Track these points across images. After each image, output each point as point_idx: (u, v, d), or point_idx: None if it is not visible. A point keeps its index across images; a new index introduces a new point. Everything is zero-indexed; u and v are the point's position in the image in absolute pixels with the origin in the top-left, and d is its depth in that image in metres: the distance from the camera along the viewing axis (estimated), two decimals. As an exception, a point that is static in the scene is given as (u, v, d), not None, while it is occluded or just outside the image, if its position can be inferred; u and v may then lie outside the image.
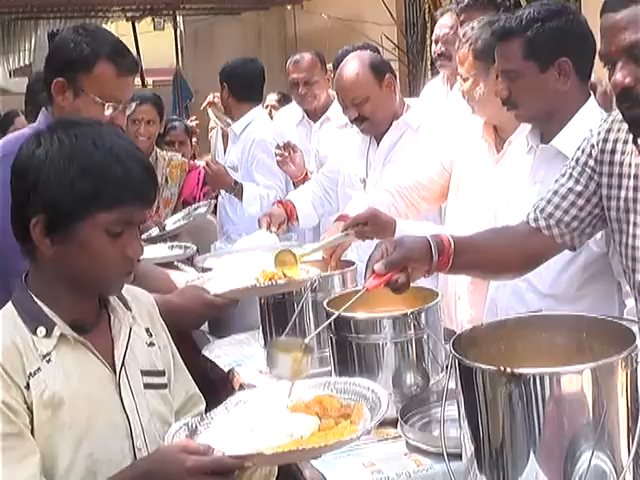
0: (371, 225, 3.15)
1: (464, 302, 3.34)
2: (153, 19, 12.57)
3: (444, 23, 5.07)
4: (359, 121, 4.00)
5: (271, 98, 7.25)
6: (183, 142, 6.61)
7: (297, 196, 4.49)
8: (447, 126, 3.60)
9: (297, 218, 4.35)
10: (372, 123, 3.99)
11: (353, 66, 3.99)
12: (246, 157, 5.53)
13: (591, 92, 2.79)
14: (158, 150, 5.47)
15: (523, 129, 3.17)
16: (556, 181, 2.51)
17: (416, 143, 3.93)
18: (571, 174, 2.46)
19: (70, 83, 2.81)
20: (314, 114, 5.41)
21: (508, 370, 1.76)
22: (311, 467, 2.37)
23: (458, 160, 3.49)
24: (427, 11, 8.11)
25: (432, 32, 7.43)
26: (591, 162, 2.41)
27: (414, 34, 8.55)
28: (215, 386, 3.20)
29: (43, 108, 2.94)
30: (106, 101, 2.81)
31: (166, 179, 5.34)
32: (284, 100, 6.98)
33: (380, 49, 6.27)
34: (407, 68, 8.35)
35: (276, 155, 4.91)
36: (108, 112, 2.81)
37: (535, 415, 1.78)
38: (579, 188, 2.43)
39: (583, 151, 2.44)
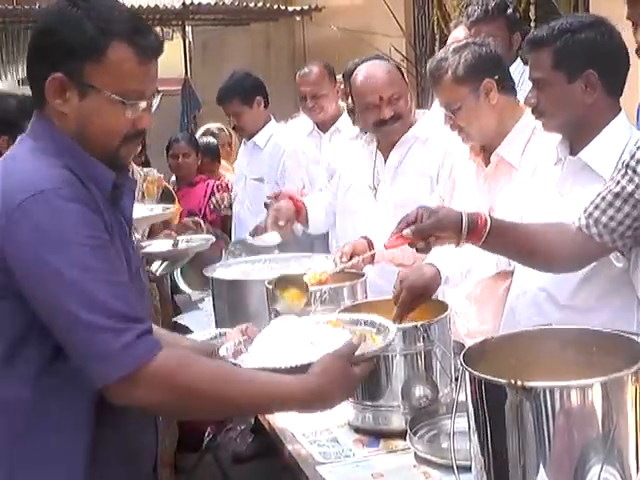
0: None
1: (461, 316, 3.35)
2: (162, 29, 12.58)
3: (456, 36, 5.08)
4: (394, 120, 3.95)
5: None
6: (187, 154, 6.59)
7: (310, 199, 4.49)
8: (453, 140, 3.61)
9: (307, 220, 4.35)
10: (404, 122, 3.97)
11: (381, 66, 4.03)
12: (276, 169, 5.56)
13: (621, 107, 2.80)
14: (134, 166, 5.23)
15: (508, 142, 3.25)
16: (606, 182, 2.58)
17: (424, 155, 3.95)
18: (614, 176, 2.54)
19: (72, 79, 1.99)
20: (324, 125, 5.41)
21: (519, 383, 1.77)
22: (320, 478, 2.38)
23: (453, 176, 3.54)
24: (436, 23, 8.12)
25: (441, 44, 7.48)
26: (632, 163, 2.48)
27: (423, 46, 8.56)
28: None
29: (20, 136, 2.14)
30: (126, 98, 2.02)
31: (142, 195, 5.13)
32: None
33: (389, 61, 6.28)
34: (415, 80, 8.36)
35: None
36: (130, 114, 2.04)
37: (545, 428, 1.79)
38: (617, 189, 2.49)
39: (629, 153, 2.52)
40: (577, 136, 2.77)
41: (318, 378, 2.05)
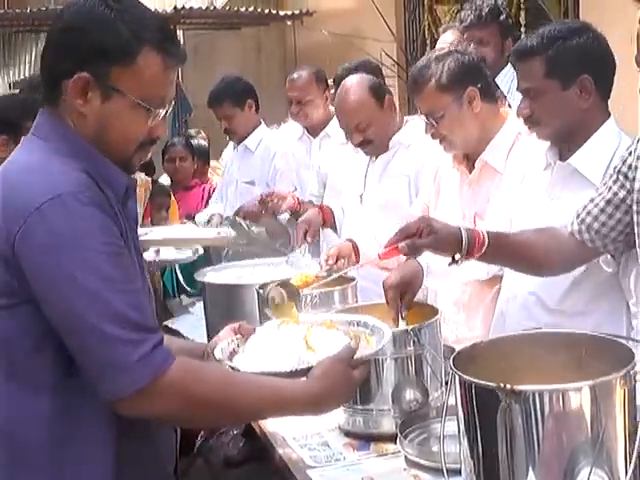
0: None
1: (449, 323, 3.35)
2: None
3: (446, 40, 5.10)
4: (364, 144, 4.05)
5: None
6: (184, 158, 6.59)
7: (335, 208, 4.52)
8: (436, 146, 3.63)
9: (334, 227, 4.41)
10: (376, 145, 4.04)
11: (354, 92, 4.03)
12: (267, 170, 5.57)
13: (611, 112, 2.81)
14: None
15: (492, 148, 3.26)
16: (598, 188, 2.60)
17: (407, 160, 4.00)
18: (606, 182, 2.56)
19: (98, 80, 1.96)
20: (313, 130, 5.42)
21: (508, 387, 1.77)
22: (310, 482, 2.39)
23: (436, 183, 3.55)
24: (427, 28, 8.16)
25: (432, 49, 7.49)
26: (624, 168, 2.50)
27: (414, 51, 8.58)
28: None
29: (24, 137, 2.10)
30: (150, 105, 2.01)
31: None
32: None
33: (379, 65, 6.29)
34: (406, 85, 8.36)
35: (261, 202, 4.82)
36: (150, 120, 2.03)
37: (534, 432, 1.79)
38: (609, 195, 2.52)
39: (621, 158, 2.53)
40: (569, 142, 2.79)
41: (320, 382, 2.06)
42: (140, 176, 5.36)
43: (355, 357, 2.13)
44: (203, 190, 6.43)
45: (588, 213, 2.56)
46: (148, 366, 1.85)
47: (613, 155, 2.70)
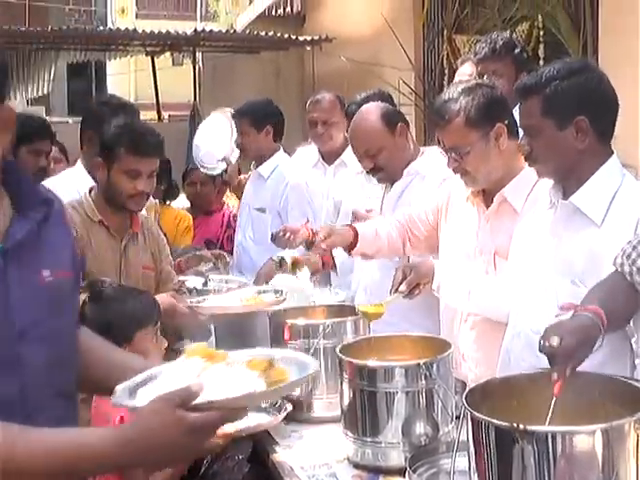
0: (413, 274, 3.22)
1: (470, 362, 3.34)
2: (172, 54, 12.65)
3: (464, 71, 5.11)
4: (375, 171, 4.07)
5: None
6: (204, 183, 6.53)
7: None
8: (450, 177, 3.62)
9: (336, 267, 4.43)
10: (387, 172, 4.06)
11: (365, 118, 4.07)
12: (279, 200, 5.55)
13: (614, 150, 2.80)
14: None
15: (515, 186, 3.22)
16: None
17: (422, 190, 3.98)
18: None
19: None
20: (329, 156, 5.42)
21: (521, 427, 1.77)
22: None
23: (449, 216, 3.55)
24: (445, 58, 8.17)
25: (450, 79, 7.50)
26: None
27: (432, 80, 8.59)
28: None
29: None
30: None
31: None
32: None
33: (397, 94, 6.29)
34: (423, 114, 8.38)
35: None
36: None
37: (546, 472, 1.79)
38: None
39: None
40: (569, 181, 2.77)
41: (135, 426, 1.79)
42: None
43: (199, 400, 1.78)
44: (224, 216, 6.38)
45: (634, 248, 2.49)
46: None
47: (615, 194, 2.68)
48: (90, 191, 3.90)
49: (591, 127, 2.67)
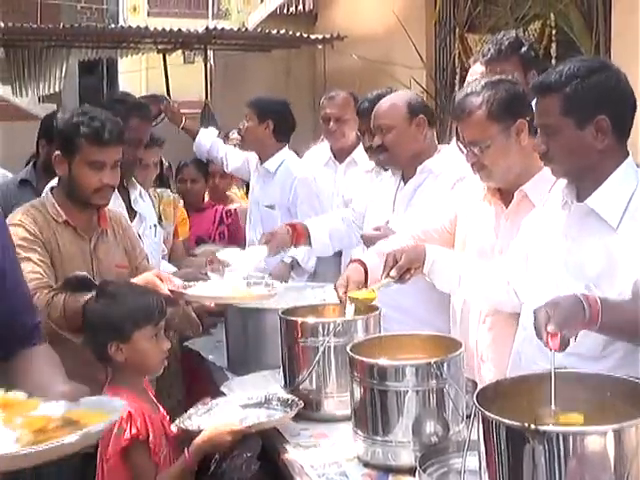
0: (404, 258, 3.18)
1: (488, 363, 3.32)
2: (183, 52, 12.64)
3: (476, 70, 5.09)
4: (380, 150, 4.12)
5: (233, 136, 7.14)
6: (195, 180, 6.51)
7: (315, 223, 4.52)
8: (464, 177, 3.60)
9: (310, 243, 4.39)
10: (391, 155, 4.10)
11: (391, 98, 4.20)
12: (287, 196, 5.59)
13: (629, 151, 2.78)
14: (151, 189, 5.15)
15: (536, 181, 3.20)
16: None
17: (435, 189, 3.98)
18: None
19: None
20: (340, 154, 5.43)
21: (533, 427, 1.76)
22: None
23: (463, 216, 3.52)
24: (457, 56, 8.15)
25: (461, 77, 7.49)
26: None
27: (443, 79, 8.57)
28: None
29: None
30: None
31: (160, 217, 4.96)
32: None
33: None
34: (435, 111, 8.37)
35: None
36: None
37: (557, 472, 1.79)
38: None
39: None
40: (585, 182, 2.74)
41: None
42: (167, 192, 5.29)
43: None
44: (216, 212, 6.37)
45: None
46: None
47: (631, 196, 2.66)
48: (51, 190, 3.70)
49: (611, 127, 2.65)
